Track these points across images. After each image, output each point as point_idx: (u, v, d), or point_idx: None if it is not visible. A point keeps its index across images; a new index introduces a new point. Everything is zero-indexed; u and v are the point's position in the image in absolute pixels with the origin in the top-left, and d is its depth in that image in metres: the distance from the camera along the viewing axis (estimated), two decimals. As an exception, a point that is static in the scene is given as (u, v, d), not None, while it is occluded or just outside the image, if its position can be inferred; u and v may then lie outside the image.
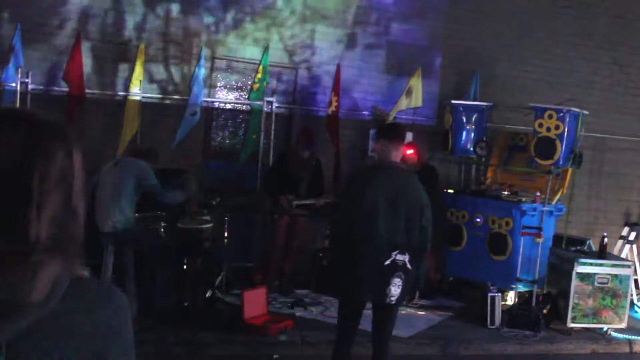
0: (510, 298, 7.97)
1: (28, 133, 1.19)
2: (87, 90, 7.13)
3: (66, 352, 1.18)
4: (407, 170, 4.95)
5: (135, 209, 6.36)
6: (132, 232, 6.33)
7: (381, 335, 4.81)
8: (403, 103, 8.50)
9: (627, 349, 7.31)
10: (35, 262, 1.14)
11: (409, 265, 4.57)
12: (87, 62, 7.06)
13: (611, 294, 7.31)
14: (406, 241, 4.56)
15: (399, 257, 4.51)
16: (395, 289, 4.52)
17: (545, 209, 7.83)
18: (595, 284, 7.26)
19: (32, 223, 1.15)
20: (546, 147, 7.57)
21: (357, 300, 4.73)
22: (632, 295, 7.94)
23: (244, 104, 8.24)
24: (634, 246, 8.88)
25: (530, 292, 7.54)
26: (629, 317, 7.62)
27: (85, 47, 7.03)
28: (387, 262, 4.48)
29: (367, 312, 4.82)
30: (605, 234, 7.82)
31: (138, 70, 7.28)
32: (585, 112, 7.84)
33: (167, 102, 7.70)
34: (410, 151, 7.95)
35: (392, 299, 4.55)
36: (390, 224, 4.53)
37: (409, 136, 8.23)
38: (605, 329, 7.41)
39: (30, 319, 1.14)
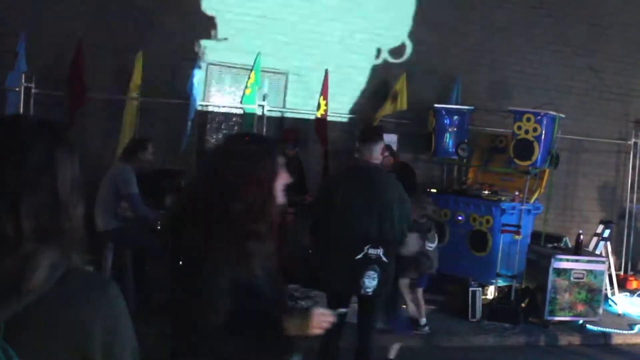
0: (491, 292, 8.10)
1: (4, 129, 1.22)
2: (88, 95, 7.28)
3: (63, 337, 1.19)
4: (381, 170, 5.09)
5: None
6: (131, 230, 6.50)
7: (364, 326, 5.00)
8: (388, 107, 8.75)
9: (601, 341, 7.51)
10: (26, 252, 1.16)
11: (384, 259, 4.74)
12: (88, 67, 7.21)
13: (586, 288, 7.52)
14: (379, 235, 4.73)
15: (372, 251, 4.69)
16: (370, 281, 4.70)
17: (524, 207, 8.01)
18: (571, 279, 7.46)
19: (12, 214, 1.16)
20: (524, 148, 7.73)
21: (335, 292, 4.90)
22: (606, 289, 8.14)
23: (237, 107, 8.44)
24: (608, 243, 9.01)
25: (510, 287, 7.72)
26: (603, 310, 7.82)
27: (86, 52, 7.18)
28: (359, 256, 4.67)
29: (355, 306, 5.04)
30: (580, 232, 8.03)
31: (136, 75, 7.44)
32: (562, 115, 8.04)
33: (165, 106, 7.88)
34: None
35: (368, 290, 4.73)
36: (363, 219, 4.71)
37: (392, 138, 8.50)
38: (580, 322, 7.61)
39: (28, 301, 1.16)
